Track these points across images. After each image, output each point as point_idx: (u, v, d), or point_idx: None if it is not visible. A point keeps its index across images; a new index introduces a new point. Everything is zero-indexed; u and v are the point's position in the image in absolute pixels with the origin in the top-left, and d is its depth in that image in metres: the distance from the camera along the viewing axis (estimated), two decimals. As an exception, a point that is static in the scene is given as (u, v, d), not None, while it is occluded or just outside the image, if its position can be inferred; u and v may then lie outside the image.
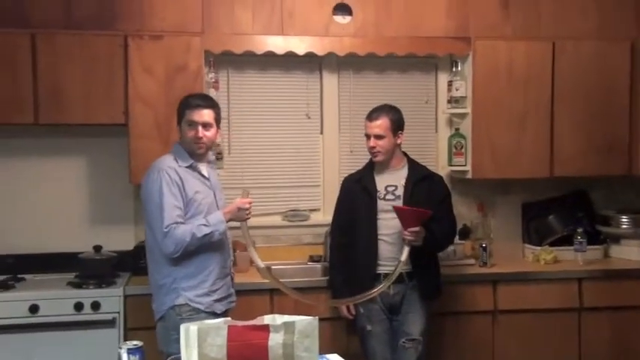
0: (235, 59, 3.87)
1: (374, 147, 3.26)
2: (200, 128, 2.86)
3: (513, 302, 3.63)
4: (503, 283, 3.64)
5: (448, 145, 4.02)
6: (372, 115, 3.29)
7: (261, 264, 2.82)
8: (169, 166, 2.81)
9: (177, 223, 2.73)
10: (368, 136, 3.29)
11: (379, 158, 3.29)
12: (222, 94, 3.84)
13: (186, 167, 2.86)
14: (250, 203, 2.89)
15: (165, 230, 2.70)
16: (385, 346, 3.25)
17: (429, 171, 3.46)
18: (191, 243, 2.73)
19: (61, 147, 3.76)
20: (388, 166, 3.33)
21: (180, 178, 2.79)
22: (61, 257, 3.62)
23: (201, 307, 2.80)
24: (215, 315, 2.80)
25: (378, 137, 3.25)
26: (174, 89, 3.46)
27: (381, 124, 3.25)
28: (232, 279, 3.04)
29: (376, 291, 3.08)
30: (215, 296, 2.85)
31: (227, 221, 2.83)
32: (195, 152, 2.90)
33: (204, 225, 2.77)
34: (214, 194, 2.95)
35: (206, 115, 2.89)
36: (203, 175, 2.92)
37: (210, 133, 2.90)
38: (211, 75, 3.70)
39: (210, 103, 2.96)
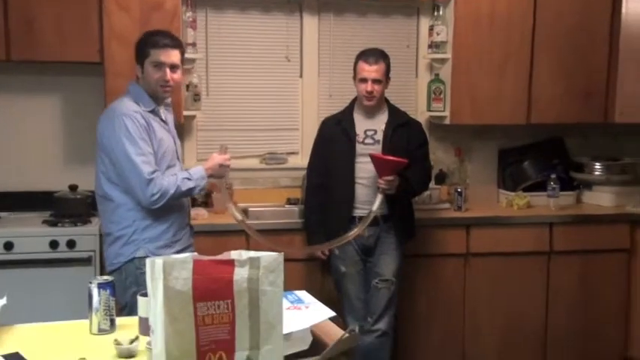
0: (214, -2, 3.81)
1: (371, 91, 3.22)
2: (168, 70, 2.66)
3: (485, 246, 3.70)
4: (476, 227, 3.70)
5: (427, 90, 4.02)
6: (369, 59, 3.23)
7: (239, 216, 2.79)
8: (135, 110, 2.61)
9: (157, 170, 2.58)
10: (364, 80, 3.23)
11: (372, 103, 3.27)
12: (200, 35, 3.78)
13: (149, 112, 2.67)
14: (229, 160, 2.76)
15: (148, 178, 2.53)
16: (359, 286, 3.31)
17: (409, 117, 3.46)
18: (173, 196, 2.60)
19: (35, 85, 3.71)
20: (370, 111, 3.32)
21: (147, 123, 2.61)
22: (37, 196, 3.62)
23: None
24: None
25: (376, 82, 3.22)
26: (151, 28, 3.32)
27: (379, 68, 3.22)
28: (191, 228, 2.93)
29: (350, 236, 3.09)
30: (177, 246, 2.73)
31: (208, 177, 2.71)
32: (159, 96, 2.71)
33: (188, 179, 2.64)
34: (174, 140, 2.80)
35: (173, 55, 2.67)
36: (163, 120, 2.75)
37: (177, 76, 2.71)
38: (189, 14, 3.64)
39: (178, 43, 2.76)
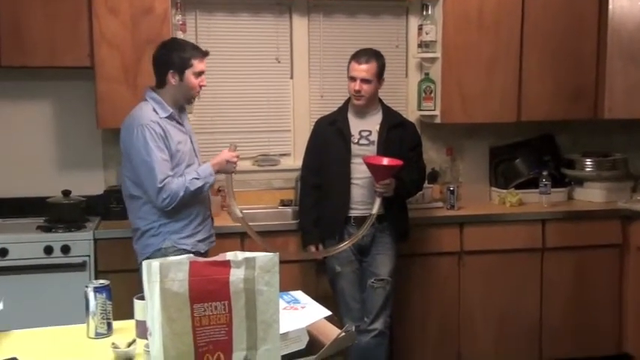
0: (203, 1, 3.82)
1: (359, 90, 3.24)
2: (204, 77, 2.91)
3: (479, 243, 3.72)
4: (469, 225, 3.72)
5: (418, 89, 4.03)
6: (360, 58, 3.24)
7: (240, 213, 2.91)
8: (152, 119, 2.77)
9: (168, 176, 2.75)
10: (353, 79, 3.25)
11: (361, 102, 3.28)
12: (190, 37, 3.76)
13: (166, 117, 2.83)
14: (238, 157, 2.94)
15: (160, 185, 2.73)
16: (354, 286, 3.32)
17: (403, 118, 3.48)
18: (184, 196, 2.78)
19: (26, 90, 3.71)
20: (364, 111, 3.33)
21: (164, 130, 2.78)
22: (30, 202, 3.61)
23: (188, 248, 2.85)
24: (199, 254, 2.85)
25: (365, 81, 3.23)
26: (141, 31, 3.41)
27: (370, 68, 3.23)
28: (212, 220, 3.10)
29: (346, 244, 3.15)
30: (198, 237, 2.92)
31: (215, 173, 2.88)
32: (191, 101, 2.97)
33: (196, 178, 2.81)
34: (190, 140, 2.96)
35: (205, 63, 2.93)
36: (179, 123, 2.91)
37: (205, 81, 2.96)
38: (178, 17, 3.64)
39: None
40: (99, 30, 3.38)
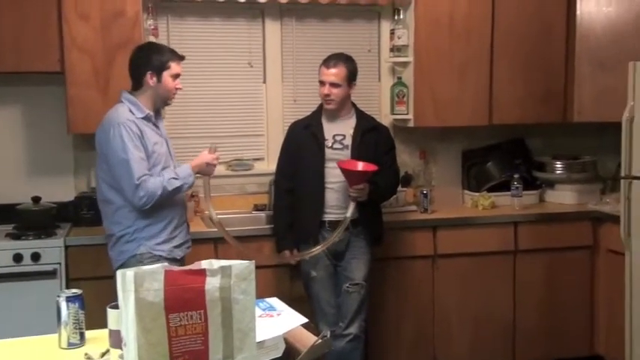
0: (175, 5, 3.79)
1: (328, 94, 3.25)
2: (179, 80, 2.93)
3: (452, 247, 3.75)
4: (442, 229, 3.75)
5: (391, 93, 4.05)
6: (329, 62, 3.27)
7: (216, 217, 2.89)
8: (128, 118, 2.77)
9: (145, 175, 2.73)
10: (322, 83, 3.27)
11: (331, 106, 3.29)
12: (162, 42, 3.72)
13: (142, 118, 2.83)
14: (217, 159, 2.94)
15: (137, 183, 2.70)
16: (329, 291, 3.32)
17: (377, 122, 3.50)
18: (162, 196, 2.75)
19: (-6, 96, 3.65)
20: (337, 115, 3.34)
21: (140, 130, 2.77)
22: (-1, 209, 3.54)
23: (163, 254, 2.83)
24: (175, 261, 2.86)
25: (334, 85, 3.24)
26: (112, 36, 3.38)
27: (338, 72, 3.24)
28: (188, 225, 3.08)
29: (320, 247, 3.15)
30: (174, 242, 2.90)
31: (194, 174, 2.87)
32: (167, 103, 2.97)
33: (174, 178, 2.79)
34: (166, 143, 2.96)
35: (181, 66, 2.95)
36: (155, 125, 2.91)
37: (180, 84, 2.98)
38: (150, 22, 3.61)
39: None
40: (69, 35, 3.34)
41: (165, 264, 1.52)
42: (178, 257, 2.91)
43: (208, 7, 3.84)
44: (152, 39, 3.57)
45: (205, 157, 2.90)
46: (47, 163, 3.71)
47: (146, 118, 2.85)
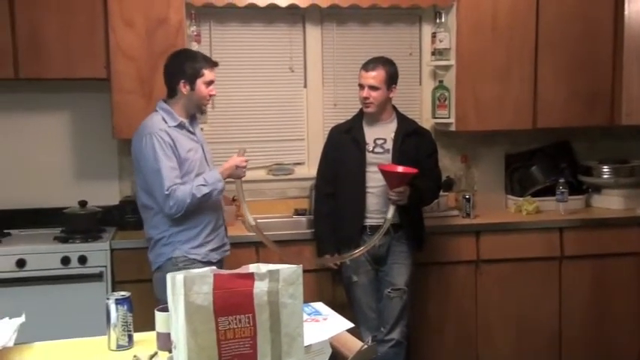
0: (217, 12, 3.82)
1: (367, 97, 3.25)
2: (213, 87, 2.95)
3: (496, 252, 3.70)
4: (486, 234, 3.70)
5: (432, 97, 4.02)
6: (368, 66, 3.27)
7: (253, 221, 2.91)
8: (160, 128, 2.82)
9: (175, 184, 2.77)
10: (362, 86, 3.27)
11: (370, 109, 3.28)
12: (204, 48, 3.78)
13: (175, 126, 2.87)
14: (246, 161, 2.95)
15: (167, 193, 2.75)
16: (371, 296, 3.31)
17: (418, 125, 3.48)
18: (192, 203, 2.78)
19: (43, 102, 3.73)
20: (378, 119, 3.33)
21: (172, 139, 2.81)
22: (47, 212, 3.62)
23: (198, 258, 2.88)
24: (211, 264, 2.87)
25: (372, 88, 3.24)
26: (156, 43, 3.42)
27: (377, 75, 3.24)
28: (225, 229, 3.11)
29: (362, 250, 3.14)
30: (210, 246, 2.92)
31: (224, 179, 2.89)
32: (202, 110, 2.99)
33: (203, 185, 2.82)
34: (202, 148, 2.98)
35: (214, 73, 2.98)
36: (190, 132, 2.94)
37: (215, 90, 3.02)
38: (193, 28, 3.65)
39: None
40: (115, 42, 3.40)
41: (214, 268, 1.53)
42: (214, 260, 2.94)
43: (250, 13, 3.87)
44: (195, 45, 3.61)
45: (234, 160, 2.91)
46: (93, 168, 3.78)
47: (179, 126, 2.88)
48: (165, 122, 2.85)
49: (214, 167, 3.00)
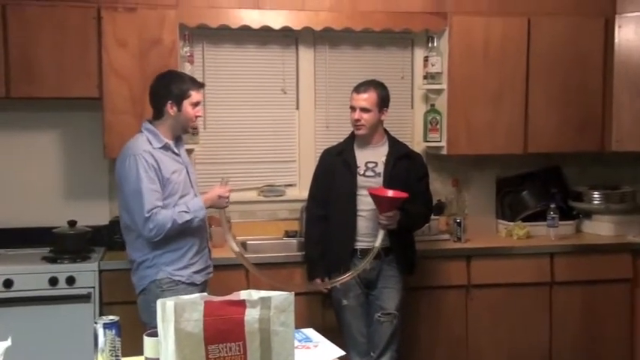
0: (210, 33, 3.83)
1: (358, 120, 3.26)
2: (199, 108, 2.96)
3: (487, 277, 3.69)
4: (476, 258, 3.69)
5: (424, 121, 4.04)
6: (360, 88, 3.29)
7: (237, 248, 2.90)
8: (144, 149, 2.80)
9: (157, 207, 2.75)
10: (353, 108, 3.28)
11: (362, 132, 3.28)
12: (198, 69, 3.79)
13: (160, 148, 2.85)
14: (229, 192, 2.95)
15: (147, 215, 2.73)
16: (361, 320, 3.29)
17: (409, 149, 3.48)
18: (172, 228, 2.77)
19: (34, 121, 3.71)
20: (369, 142, 3.33)
21: (156, 161, 2.79)
22: (36, 232, 3.59)
23: (182, 279, 2.85)
24: (195, 286, 2.88)
25: (364, 110, 3.25)
26: (149, 63, 3.42)
27: (369, 97, 3.25)
28: (210, 251, 3.08)
29: (351, 274, 3.13)
30: (194, 268, 2.90)
31: (206, 208, 2.89)
32: (188, 131, 3.03)
33: (185, 212, 2.81)
34: (186, 170, 2.96)
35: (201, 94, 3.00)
36: (175, 153, 2.92)
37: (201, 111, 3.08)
38: (186, 49, 3.66)
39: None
40: (108, 61, 3.40)
41: (205, 294, 1.51)
42: (198, 282, 2.92)
43: (243, 35, 3.88)
44: (188, 66, 3.62)
45: (217, 190, 2.92)
46: (83, 187, 3.75)
47: (164, 148, 2.86)
48: (150, 143, 2.84)
49: (199, 194, 2.98)
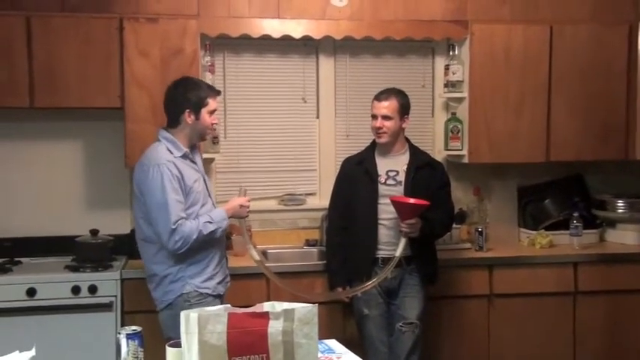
0: (231, 43, 3.85)
1: (380, 127, 3.26)
2: (215, 115, 2.96)
3: (509, 286, 3.65)
4: (498, 268, 3.66)
5: (445, 129, 4.02)
6: (381, 96, 3.29)
7: (258, 257, 2.91)
8: (167, 159, 2.76)
9: (181, 218, 2.72)
10: (374, 116, 3.28)
11: (383, 140, 3.28)
12: (219, 78, 3.81)
13: (180, 157, 2.82)
14: (249, 201, 2.95)
15: (173, 227, 2.69)
16: (382, 329, 3.27)
17: (431, 158, 3.47)
18: (197, 239, 2.74)
19: (57, 130, 3.75)
20: (390, 151, 3.32)
21: (179, 171, 2.76)
22: (58, 241, 3.62)
23: (209, 292, 2.83)
24: (219, 297, 2.88)
25: (385, 118, 3.25)
26: (170, 73, 3.43)
27: (390, 105, 3.25)
28: (227, 260, 3.07)
29: (373, 283, 3.12)
30: (217, 279, 2.88)
31: (228, 218, 2.88)
32: (205, 138, 3.02)
33: (209, 222, 2.78)
34: (204, 179, 2.95)
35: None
36: (193, 161, 2.91)
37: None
38: (207, 59, 3.68)
39: None
40: (130, 71, 3.43)
41: (228, 306, 1.51)
42: (222, 293, 2.91)
43: (264, 44, 3.89)
44: (209, 75, 3.64)
45: (237, 200, 2.92)
46: (105, 197, 3.78)
47: (184, 156, 2.83)
48: (171, 152, 2.80)
49: (215, 201, 2.98)
